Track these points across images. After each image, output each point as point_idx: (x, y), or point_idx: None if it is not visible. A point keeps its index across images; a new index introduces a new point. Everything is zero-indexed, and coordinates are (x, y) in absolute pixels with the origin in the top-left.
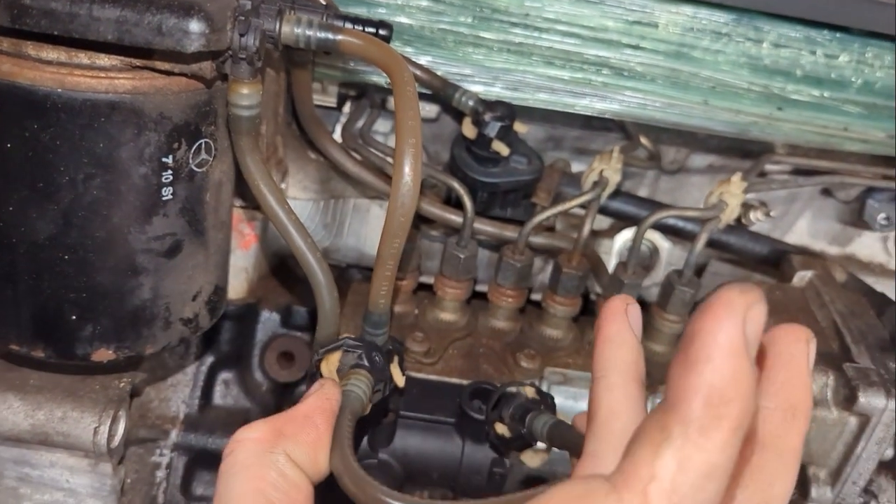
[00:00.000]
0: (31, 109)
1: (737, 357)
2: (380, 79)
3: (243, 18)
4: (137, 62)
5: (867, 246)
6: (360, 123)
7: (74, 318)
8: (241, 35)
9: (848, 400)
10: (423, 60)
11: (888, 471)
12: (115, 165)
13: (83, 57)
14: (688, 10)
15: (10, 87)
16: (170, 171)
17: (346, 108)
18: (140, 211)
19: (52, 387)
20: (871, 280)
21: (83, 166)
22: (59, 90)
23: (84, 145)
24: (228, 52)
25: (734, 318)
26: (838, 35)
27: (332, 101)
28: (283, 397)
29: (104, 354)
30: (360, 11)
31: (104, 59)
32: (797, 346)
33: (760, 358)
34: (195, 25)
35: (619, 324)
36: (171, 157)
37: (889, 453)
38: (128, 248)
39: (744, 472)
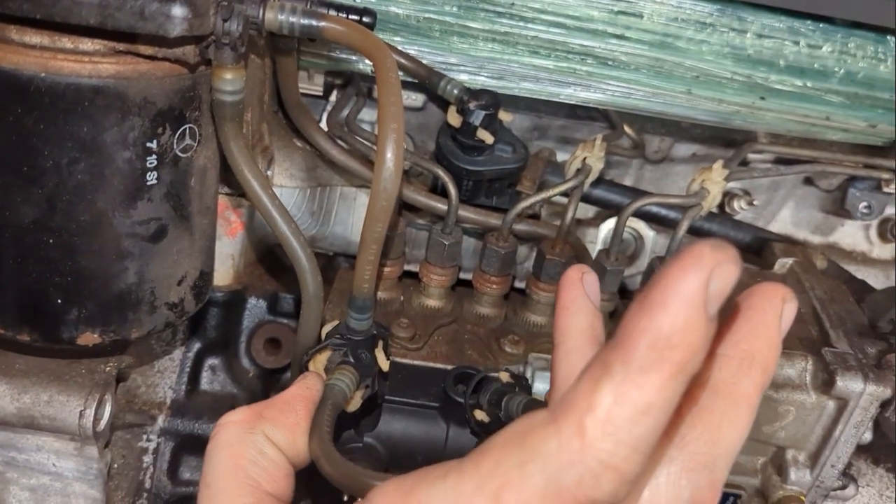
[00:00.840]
0: (15, 93)
1: (693, 308)
2: (366, 67)
3: (226, 3)
4: (121, 47)
5: (850, 234)
6: (345, 112)
7: (59, 301)
8: (224, 20)
9: (826, 384)
10: (410, 49)
11: (867, 454)
12: (99, 150)
13: (66, 41)
14: (673, 0)
15: None
16: (154, 156)
17: (333, 96)
18: (124, 195)
19: (37, 371)
20: (853, 268)
21: (67, 150)
22: (43, 74)
23: (68, 129)
24: (212, 37)
25: (699, 270)
26: (821, 25)
27: (318, 90)
28: (269, 383)
29: (89, 338)
30: (347, 2)
31: (87, 44)
32: (770, 301)
33: (735, 314)
34: (178, 10)
35: (575, 291)
36: (155, 141)
37: (867, 437)
38: (112, 233)
39: (692, 411)
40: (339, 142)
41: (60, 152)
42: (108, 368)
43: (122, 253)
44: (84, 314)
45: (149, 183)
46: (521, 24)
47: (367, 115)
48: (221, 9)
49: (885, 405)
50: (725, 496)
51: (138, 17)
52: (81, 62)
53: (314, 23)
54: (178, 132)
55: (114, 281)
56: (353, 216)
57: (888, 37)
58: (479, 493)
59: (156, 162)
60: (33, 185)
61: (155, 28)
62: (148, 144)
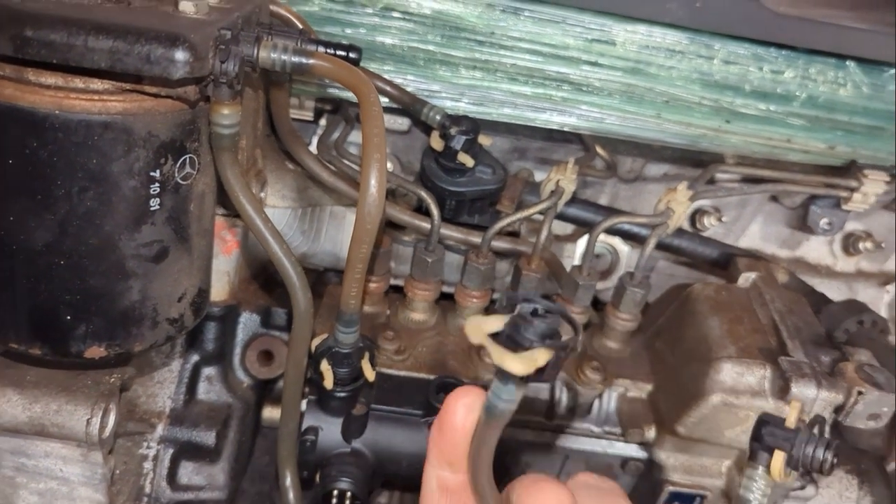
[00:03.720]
0: (32, 129)
1: None
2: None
3: (224, 47)
4: (128, 86)
5: (815, 249)
6: (334, 136)
7: (69, 318)
8: (222, 62)
9: (782, 390)
10: (396, 77)
11: None
12: (107, 179)
13: (78, 81)
14: (644, 28)
15: (13, 109)
16: (157, 184)
17: (322, 121)
18: (130, 220)
19: (47, 382)
20: (817, 281)
21: (78, 180)
22: (57, 112)
23: (79, 161)
24: (210, 77)
25: None
26: (784, 52)
27: (308, 115)
28: (262, 393)
29: (96, 352)
30: (338, 30)
31: (97, 84)
32: None
33: None
34: (180, 55)
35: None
36: (158, 171)
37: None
38: (118, 254)
39: None
40: (329, 164)
41: (72, 182)
42: (112, 380)
43: (127, 273)
44: (91, 329)
45: (152, 208)
46: (501, 52)
47: (355, 137)
48: (219, 51)
49: (838, 410)
50: (692, 497)
51: (145, 62)
52: (92, 100)
53: (304, 60)
54: (179, 162)
55: (119, 299)
56: (343, 234)
57: (847, 62)
58: None
59: (159, 189)
60: (46, 212)
61: (160, 71)
62: (152, 173)
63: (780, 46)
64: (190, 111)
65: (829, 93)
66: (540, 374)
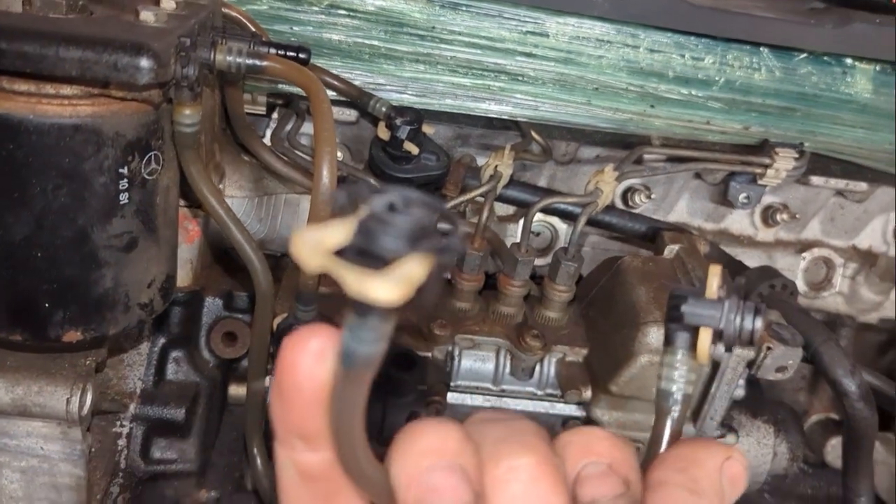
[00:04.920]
0: (7, 133)
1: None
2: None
3: (184, 54)
4: (96, 91)
5: (737, 221)
6: (287, 129)
7: (47, 305)
8: (183, 67)
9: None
10: (343, 72)
11: (747, 409)
12: (79, 177)
13: (49, 88)
14: (574, 21)
15: None
16: (126, 180)
17: (275, 114)
18: (101, 214)
19: (27, 366)
20: (740, 250)
21: (52, 178)
22: (31, 116)
23: (53, 161)
24: (173, 81)
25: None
26: (703, 40)
27: (261, 110)
28: (227, 372)
29: (73, 336)
30: (286, 28)
31: (67, 89)
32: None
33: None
34: (145, 62)
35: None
36: (126, 168)
37: (740, 393)
38: (92, 245)
39: None
40: (282, 156)
41: (46, 180)
42: (87, 362)
43: (100, 262)
44: (68, 315)
45: (121, 202)
46: (441, 45)
47: (307, 129)
48: (180, 58)
49: (750, 364)
50: None
51: (113, 69)
52: (63, 105)
53: (257, 62)
54: (145, 158)
55: (94, 286)
56: (297, 220)
57: (761, 49)
58: None
59: (127, 185)
60: (23, 208)
61: (127, 78)
62: (120, 170)
63: (700, 35)
64: (154, 112)
65: (744, 77)
66: (417, 296)
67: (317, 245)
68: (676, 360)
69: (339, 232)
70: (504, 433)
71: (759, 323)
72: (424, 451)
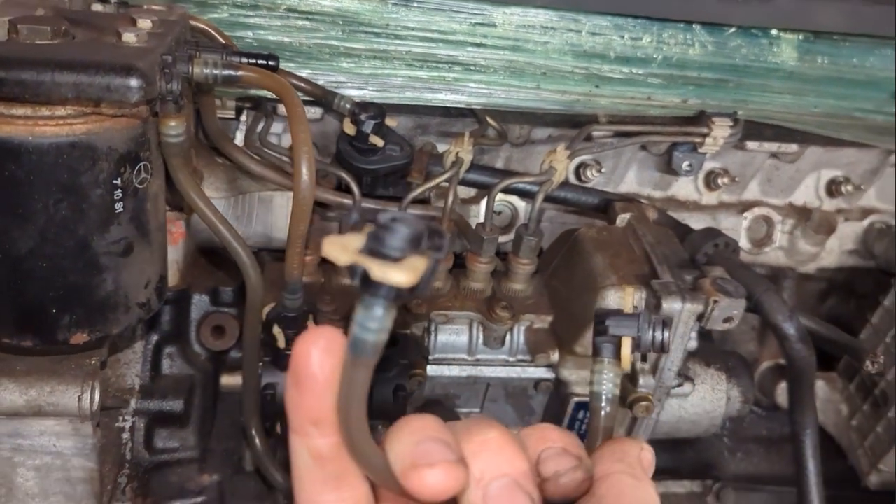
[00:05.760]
0: (8, 154)
1: None
2: (268, 92)
3: (167, 70)
4: (88, 109)
5: (683, 188)
6: (258, 130)
7: (55, 311)
8: (167, 83)
9: (656, 308)
10: (305, 72)
11: (699, 358)
12: (77, 190)
13: (45, 110)
14: (519, 10)
15: None
16: (120, 190)
17: (243, 117)
18: (100, 223)
19: (36, 370)
20: (687, 215)
21: (53, 193)
22: (30, 137)
23: (53, 177)
24: (159, 97)
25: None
26: (640, 21)
27: (230, 113)
28: (218, 363)
29: (80, 338)
30: (248, 34)
31: (62, 111)
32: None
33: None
34: (134, 82)
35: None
36: (119, 178)
37: (693, 345)
38: (92, 252)
39: None
40: (255, 155)
41: (48, 195)
42: (93, 361)
43: (101, 268)
44: (74, 319)
45: (117, 211)
46: (396, 41)
47: (275, 128)
48: (164, 75)
49: (700, 318)
50: None
51: (105, 91)
52: (59, 125)
53: (233, 73)
54: (136, 169)
55: (96, 290)
56: (272, 216)
57: (694, 26)
58: None
59: (121, 194)
60: (28, 223)
61: (119, 97)
62: (114, 181)
63: (637, 17)
64: (142, 125)
65: (680, 54)
66: (415, 290)
67: (344, 247)
68: (604, 367)
69: (357, 239)
70: (472, 423)
71: (667, 333)
72: (413, 430)
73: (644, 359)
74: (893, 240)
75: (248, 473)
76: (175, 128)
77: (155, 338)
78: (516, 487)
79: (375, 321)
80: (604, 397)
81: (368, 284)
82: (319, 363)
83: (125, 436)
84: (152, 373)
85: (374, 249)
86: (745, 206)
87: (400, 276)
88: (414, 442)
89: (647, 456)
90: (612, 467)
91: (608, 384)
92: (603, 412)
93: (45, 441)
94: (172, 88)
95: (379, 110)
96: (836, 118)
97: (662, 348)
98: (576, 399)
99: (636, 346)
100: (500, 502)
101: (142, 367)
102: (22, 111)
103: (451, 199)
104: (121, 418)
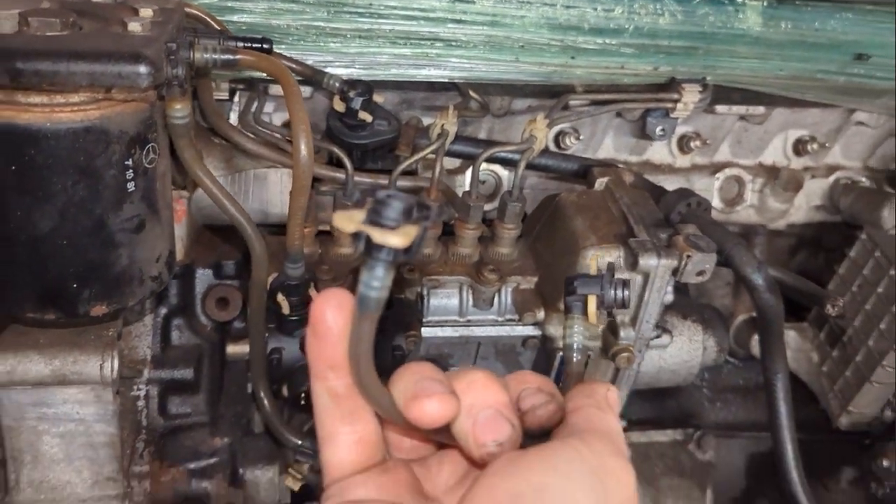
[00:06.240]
0: (28, 141)
1: None
2: (260, 74)
3: (173, 57)
4: (100, 95)
5: (657, 152)
6: (252, 110)
7: (75, 285)
8: (173, 68)
9: (633, 264)
10: (294, 53)
11: (676, 311)
12: (93, 172)
13: (60, 98)
14: None
15: (11, 126)
16: (131, 170)
17: (236, 97)
18: (114, 202)
19: (59, 341)
20: (662, 177)
21: (70, 175)
22: (48, 124)
23: (69, 161)
24: (165, 82)
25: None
26: None
27: (224, 94)
28: (223, 333)
29: (100, 310)
30: (236, 18)
31: (76, 97)
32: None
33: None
34: (143, 69)
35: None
36: (130, 160)
37: (669, 298)
38: (108, 230)
39: None
40: (250, 134)
41: (65, 178)
42: (110, 332)
43: (116, 244)
44: (94, 292)
45: (129, 190)
46: (380, 20)
47: (268, 107)
48: (170, 61)
49: (675, 272)
50: None
51: (117, 77)
52: (74, 111)
53: (230, 57)
54: (145, 150)
55: (113, 265)
56: (267, 192)
57: None
58: None
59: (133, 174)
60: (47, 204)
61: (129, 83)
62: (126, 163)
63: None
64: (150, 109)
65: (651, 23)
66: (409, 252)
67: (350, 218)
68: (575, 322)
69: (360, 213)
70: (461, 370)
71: (627, 292)
72: (413, 372)
73: (610, 314)
74: (858, 194)
75: (257, 435)
76: (180, 110)
77: (163, 311)
78: (500, 415)
79: (378, 280)
80: (575, 347)
81: (371, 248)
82: (333, 318)
83: (140, 403)
84: (163, 344)
85: (374, 220)
86: (716, 168)
87: (396, 239)
88: (414, 381)
89: (613, 395)
90: (581, 402)
91: (578, 336)
92: (574, 359)
93: (68, 409)
94: (178, 73)
95: (367, 87)
96: (801, 80)
97: (624, 304)
98: (561, 353)
99: (601, 302)
100: (487, 427)
101: (152, 339)
102: (39, 99)
103: (438, 170)
104: (135, 387)
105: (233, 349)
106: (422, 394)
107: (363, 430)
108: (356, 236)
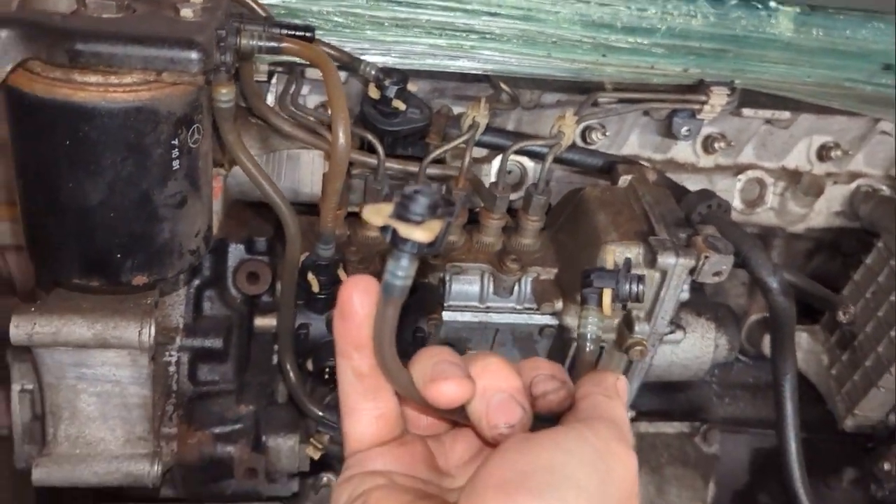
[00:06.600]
0: (84, 117)
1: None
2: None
3: (222, 44)
4: (152, 77)
5: (681, 151)
6: (290, 91)
7: (119, 256)
8: (222, 55)
9: (652, 262)
10: (332, 39)
11: (691, 308)
12: (141, 149)
13: (114, 78)
14: None
15: (68, 104)
16: (177, 149)
17: (274, 79)
18: (160, 178)
19: (101, 307)
20: (685, 176)
21: (120, 152)
22: (103, 102)
23: (120, 138)
24: (214, 67)
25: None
26: None
27: (263, 77)
28: (252, 306)
29: (141, 280)
30: (279, 2)
31: (129, 78)
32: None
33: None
34: (195, 55)
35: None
36: (177, 139)
37: (685, 296)
38: (153, 204)
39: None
40: (287, 117)
41: (116, 153)
42: (148, 301)
43: (159, 218)
44: (136, 263)
45: (174, 168)
46: (417, 10)
47: (304, 90)
48: (220, 48)
49: (692, 272)
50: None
51: (169, 62)
52: (127, 91)
53: (275, 44)
54: (190, 130)
55: (156, 238)
56: (298, 172)
57: None
58: None
59: (178, 153)
60: (98, 178)
61: (181, 68)
62: (172, 142)
63: None
64: (196, 92)
65: (683, 24)
66: (433, 245)
67: (378, 211)
68: (590, 313)
69: (388, 206)
70: (477, 354)
71: (641, 286)
72: (432, 355)
73: (624, 307)
74: (878, 202)
75: (281, 405)
76: (226, 94)
77: (197, 282)
78: (512, 399)
79: (402, 269)
80: (588, 337)
81: (397, 241)
82: (360, 302)
83: (171, 369)
84: (195, 314)
85: (401, 214)
86: (739, 169)
87: (421, 234)
88: (432, 363)
89: (621, 384)
90: (591, 390)
91: (592, 327)
92: (587, 348)
93: (105, 371)
94: (226, 60)
95: (402, 76)
96: (828, 87)
97: (637, 299)
98: (576, 343)
99: (615, 296)
100: (500, 410)
101: (185, 309)
102: (94, 79)
103: (467, 158)
104: (167, 353)
105: (260, 322)
106: (439, 376)
107: (384, 407)
108: (384, 229)
